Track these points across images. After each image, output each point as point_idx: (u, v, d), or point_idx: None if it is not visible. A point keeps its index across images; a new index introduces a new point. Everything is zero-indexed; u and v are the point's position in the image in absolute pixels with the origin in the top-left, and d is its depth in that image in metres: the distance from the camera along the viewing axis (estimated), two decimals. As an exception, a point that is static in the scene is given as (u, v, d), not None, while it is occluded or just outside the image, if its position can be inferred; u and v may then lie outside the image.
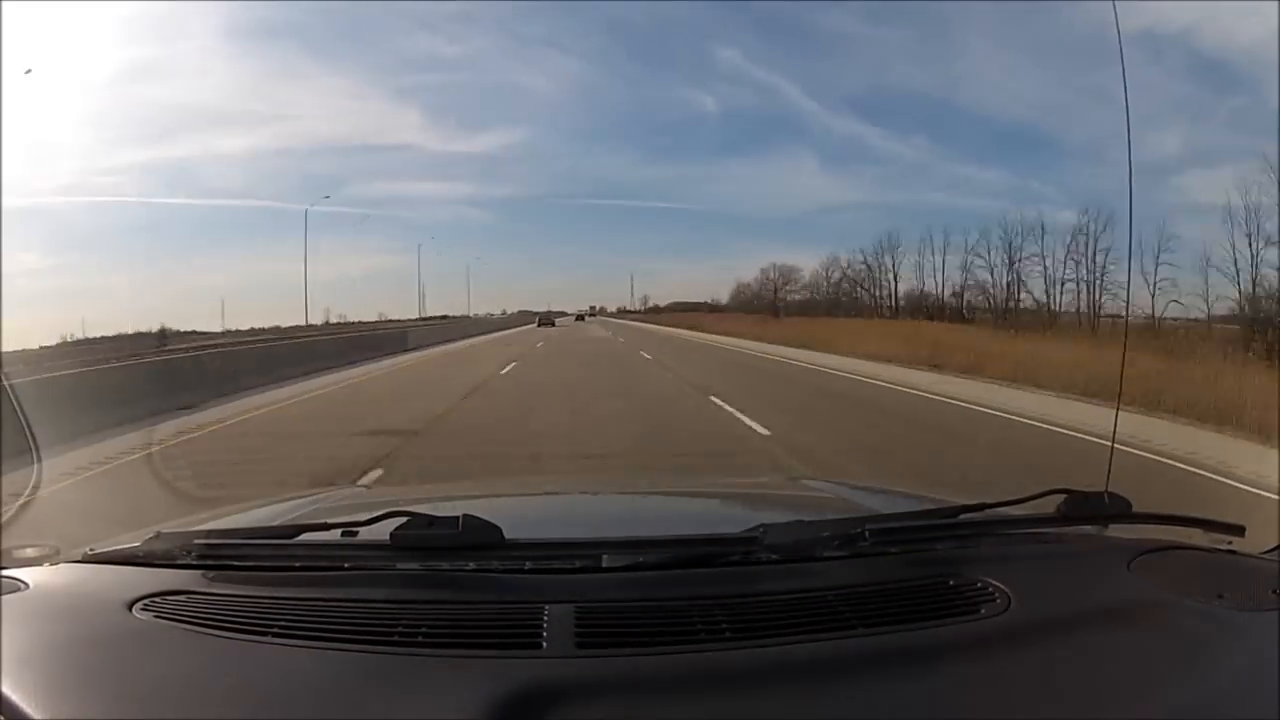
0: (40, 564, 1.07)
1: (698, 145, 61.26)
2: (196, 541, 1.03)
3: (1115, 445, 1.86)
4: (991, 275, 30.80)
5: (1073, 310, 27.78)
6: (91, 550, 1.09)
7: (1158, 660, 0.82)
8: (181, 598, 0.93)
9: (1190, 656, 0.83)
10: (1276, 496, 4.64)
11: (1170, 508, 1.11)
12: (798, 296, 40.08)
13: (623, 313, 58.82)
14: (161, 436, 7.24)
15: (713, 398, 9.62)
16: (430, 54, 55.17)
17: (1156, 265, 24.68)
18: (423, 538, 0.95)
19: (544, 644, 0.80)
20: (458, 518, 0.94)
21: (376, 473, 5.54)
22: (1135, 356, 10.69)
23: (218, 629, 0.86)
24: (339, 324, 39.31)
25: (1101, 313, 26.37)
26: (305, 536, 1.04)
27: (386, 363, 17.29)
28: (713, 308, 46.67)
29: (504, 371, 14.30)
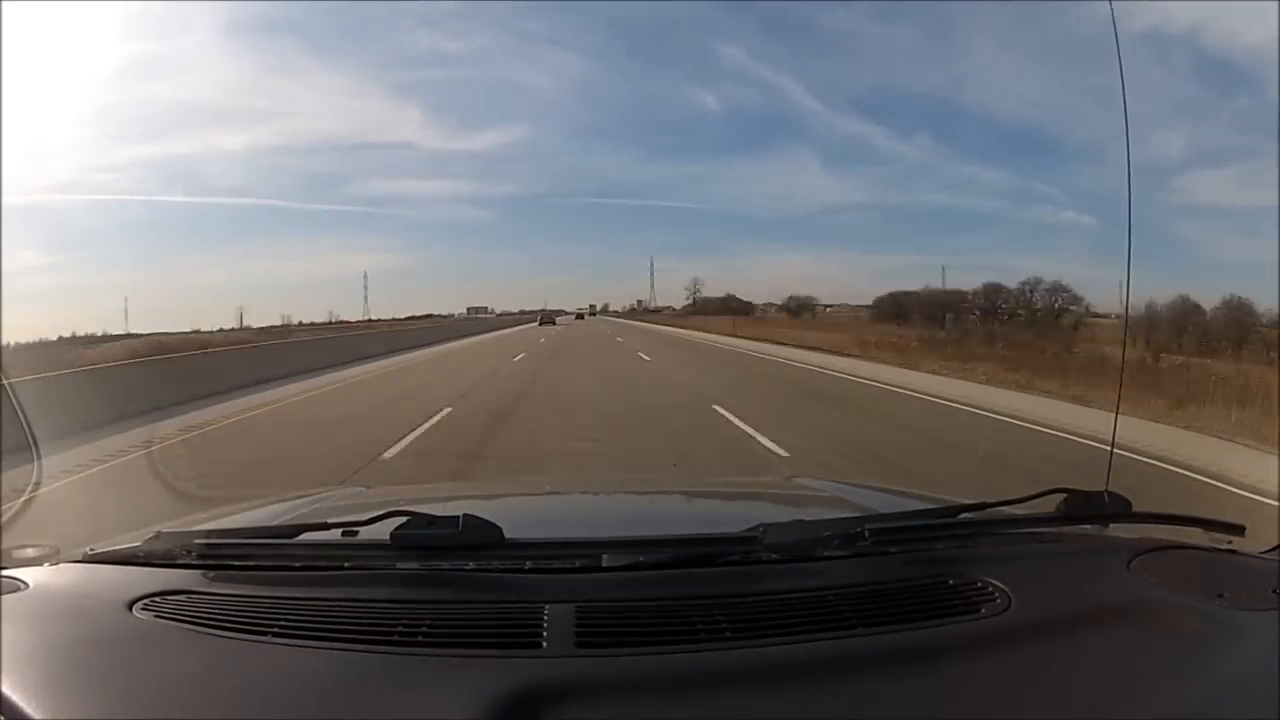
0: (40, 564, 1.07)
1: (700, 144, 61.36)
2: (196, 541, 1.03)
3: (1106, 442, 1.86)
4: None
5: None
6: (91, 550, 1.09)
7: (1158, 660, 0.82)
8: (181, 598, 0.93)
9: (1190, 656, 0.83)
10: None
11: (1164, 505, 1.11)
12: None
13: (631, 312, 58.22)
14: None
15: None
16: (431, 50, 55.05)
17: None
18: (423, 537, 0.95)
19: (544, 644, 0.80)
20: (458, 517, 0.94)
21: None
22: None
23: (218, 629, 0.86)
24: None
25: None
26: (305, 536, 1.04)
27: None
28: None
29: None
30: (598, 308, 61.72)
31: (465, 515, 0.95)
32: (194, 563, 1.01)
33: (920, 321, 27.55)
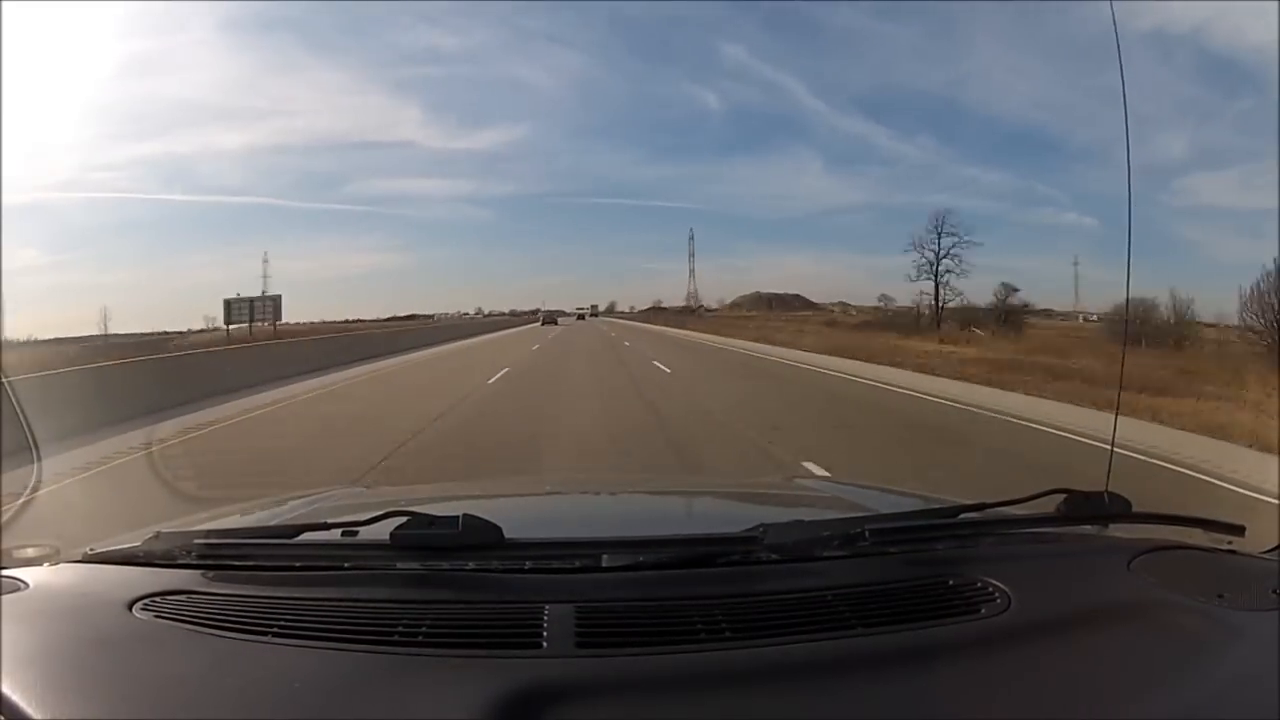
0: (40, 564, 1.07)
1: (701, 144, 61.24)
2: (196, 541, 1.03)
3: (1112, 442, 1.85)
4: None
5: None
6: (91, 550, 1.09)
7: (1158, 660, 0.82)
8: (181, 598, 0.93)
9: (1190, 656, 0.83)
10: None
11: (1162, 505, 1.11)
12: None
13: (649, 313, 56.79)
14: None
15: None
16: (430, 47, 54.97)
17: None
18: (423, 537, 0.95)
19: (544, 644, 0.80)
20: (458, 517, 0.94)
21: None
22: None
23: (218, 629, 0.86)
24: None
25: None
26: (305, 536, 1.04)
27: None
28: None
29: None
30: (600, 308, 61.08)
31: (465, 515, 0.95)
32: (194, 563, 1.01)
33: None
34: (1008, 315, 28.04)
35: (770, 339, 23.34)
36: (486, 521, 0.95)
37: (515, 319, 47.55)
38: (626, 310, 57.54)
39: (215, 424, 8.36)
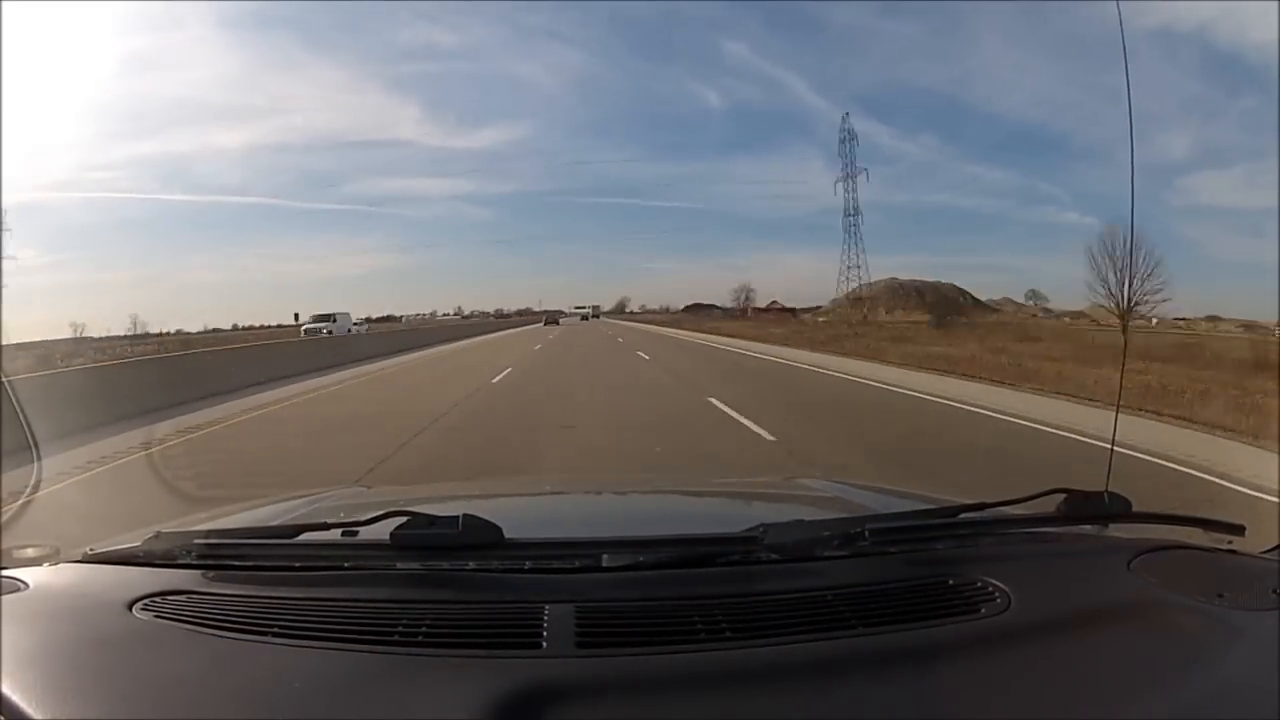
0: (40, 564, 1.07)
1: (702, 142, 61.43)
2: (196, 541, 1.03)
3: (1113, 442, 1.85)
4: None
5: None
6: (91, 550, 1.09)
7: (1158, 660, 0.82)
8: (181, 598, 0.93)
9: (1190, 656, 0.83)
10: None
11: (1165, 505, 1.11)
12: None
13: (642, 312, 55.98)
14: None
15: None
16: (429, 45, 55.03)
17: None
18: (423, 537, 0.95)
19: (544, 644, 0.80)
20: (458, 517, 0.94)
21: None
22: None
23: (218, 629, 0.86)
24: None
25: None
26: (305, 536, 1.04)
27: None
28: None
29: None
30: (602, 308, 60.55)
31: (465, 515, 0.95)
32: (194, 563, 1.01)
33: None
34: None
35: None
36: (486, 521, 0.95)
37: (505, 320, 45.17)
38: (635, 310, 56.58)
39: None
